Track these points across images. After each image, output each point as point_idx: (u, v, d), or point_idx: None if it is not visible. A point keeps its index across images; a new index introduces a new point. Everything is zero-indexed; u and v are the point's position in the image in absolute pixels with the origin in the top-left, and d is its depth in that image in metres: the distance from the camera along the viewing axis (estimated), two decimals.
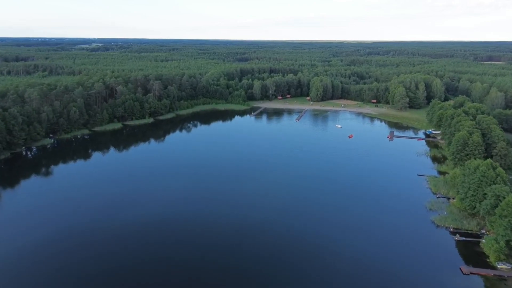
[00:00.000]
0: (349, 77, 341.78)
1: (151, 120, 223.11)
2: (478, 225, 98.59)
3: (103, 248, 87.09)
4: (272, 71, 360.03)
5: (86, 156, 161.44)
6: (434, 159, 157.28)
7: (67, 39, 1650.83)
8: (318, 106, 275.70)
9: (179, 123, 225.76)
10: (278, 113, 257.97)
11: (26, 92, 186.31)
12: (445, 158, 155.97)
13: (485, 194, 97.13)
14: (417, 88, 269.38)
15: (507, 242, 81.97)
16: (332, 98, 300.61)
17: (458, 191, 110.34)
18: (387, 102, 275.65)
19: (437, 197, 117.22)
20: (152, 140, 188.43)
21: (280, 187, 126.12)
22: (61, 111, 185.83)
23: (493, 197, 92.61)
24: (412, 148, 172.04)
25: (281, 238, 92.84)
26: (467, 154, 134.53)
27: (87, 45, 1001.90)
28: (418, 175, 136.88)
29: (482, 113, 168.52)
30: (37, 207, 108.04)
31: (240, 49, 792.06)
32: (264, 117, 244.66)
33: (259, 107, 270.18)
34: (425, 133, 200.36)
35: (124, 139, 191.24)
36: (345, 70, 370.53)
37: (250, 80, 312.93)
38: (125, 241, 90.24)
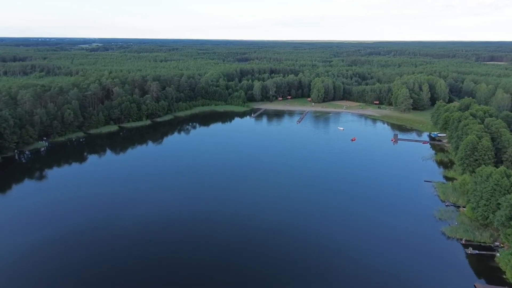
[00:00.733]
0: (351, 78, 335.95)
1: (148, 122, 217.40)
2: (491, 236, 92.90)
3: (100, 250, 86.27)
4: (272, 72, 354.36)
5: (81, 159, 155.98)
6: (441, 163, 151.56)
7: (67, 39, 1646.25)
8: (319, 108, 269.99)
9: (177, 125, 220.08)
10: (278, 114, 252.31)
11: (19, 93, 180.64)
12: (452, 162, 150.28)
13: (499, 204, 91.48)
14: (420, 89, 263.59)
15: None
16: (333, 99, 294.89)
17: (469, 200, 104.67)
18: (390, 104, 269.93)
19: (446, 205, 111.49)
20: (150, 143, 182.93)
21: (281, 190, 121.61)
22: (55, 113, 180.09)
23: (508, 207, 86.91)
24: (417, 152, 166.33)
25: (284, 241, 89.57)
26: (476, 160, 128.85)
27: (87, 45, 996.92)
28: (425, 181, 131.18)
29: (490, 116, 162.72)
30: (29, 212, 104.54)
31: (240, 49, 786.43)
32: (265, 119, 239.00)
33: (259, 109, 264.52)
34: (430, 136, 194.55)
35: (120, 141, 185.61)
36: (347, 70, 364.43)
37: (250, 80, 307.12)
38: (125, 241, 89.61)
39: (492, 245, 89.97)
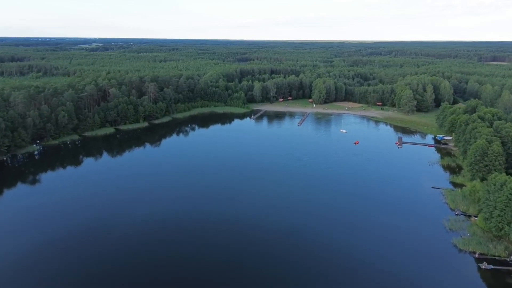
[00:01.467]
0: (353, 79, 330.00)
1: (145, 124, 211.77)
2: (506, 249, 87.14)
3: (100, 250, 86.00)
4: (273, 72, 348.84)
5: (75, 163, 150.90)
6: (448, 168, 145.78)
7: (67, 39, 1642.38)
8: (321, 109, 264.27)
9: (176, 127, 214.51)
10: (279, 116, 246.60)
11: (11, 95, 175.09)
12: (460, 167, 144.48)
13: None
14: (424, 90, 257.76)
15: None
16: (335, 100, 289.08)
17: (481, 209, 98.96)
18: (393, 105, 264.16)
19: (456, 214, 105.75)
20: (147, 146, 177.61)
21: (281, 194, 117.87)
22: (49, 115, 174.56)
23: None
24: (423, 156, 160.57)
25: (284, 242, 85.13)
26: (486, 165, 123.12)
27: (87, 45, 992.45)
28: (432, 187, 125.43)
29: (499, 118, 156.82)
30: (21, 217, 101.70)
31: (240, 49, 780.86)
32: (265, 121, 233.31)
33: (259, 110, 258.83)
34: (435, 139, 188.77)
35: (117, 144, 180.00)
36: (348, 71, 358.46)
37: (250, 81, 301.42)
38: (124, 242, 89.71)
39: (508, 259, 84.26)
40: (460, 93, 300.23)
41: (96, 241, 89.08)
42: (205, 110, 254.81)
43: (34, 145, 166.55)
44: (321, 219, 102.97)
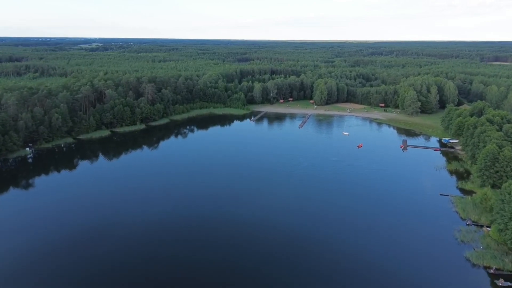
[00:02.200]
0: (355, 79, 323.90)
1: (142, 126, 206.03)
2: None
3: (100, 250, 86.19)
4: (273, 72, 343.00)
5: (69, 167, 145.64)
6: (456, 173, 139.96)
7: (67, 39, 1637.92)
8: (322, 111, 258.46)
9: (173, 129, 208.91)
10: (280, 118, 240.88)
11: (3, 97, 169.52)
12: (468, 172, 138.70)
13: None
14: (428, 91, 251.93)
15: None
16: (337, 101, 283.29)
17: (495, 220, 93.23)
18: (396, 106, 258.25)
19: (467, 224, 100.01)
20: (143, 149, 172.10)
21: (284, 198, 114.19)
22: (42, 118, 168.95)
23: None
24: (429, 160, 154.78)
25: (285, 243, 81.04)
26: (497, 171, 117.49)
27: (87, 45, 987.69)
28: (440, 194, 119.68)
29: (509, 121, 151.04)
30: (13, 224, 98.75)
31: (240, 49, 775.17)
32: (265, 123, 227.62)
33: (259, 112, 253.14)
34: (441, 142, 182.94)
35: (113, 147, 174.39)
36: (350, 71, 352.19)
37: (250, 82, 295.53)
38: (123, 243, 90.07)
39: None
40: (464, 94, 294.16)
41: (96, 241, 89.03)
42: (204, 111, 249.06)
43: (27, 148, 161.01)
44: (322, 229, 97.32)
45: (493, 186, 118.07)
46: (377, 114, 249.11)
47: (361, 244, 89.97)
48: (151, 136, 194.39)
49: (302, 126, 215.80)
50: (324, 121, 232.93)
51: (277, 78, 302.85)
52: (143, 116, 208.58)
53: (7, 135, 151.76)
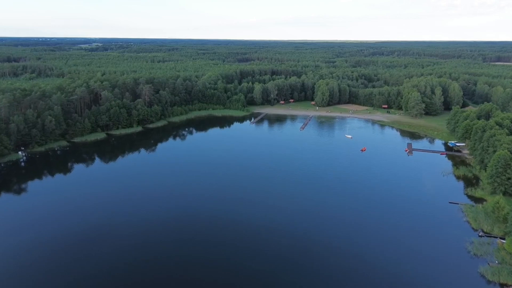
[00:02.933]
0: (357, 80, 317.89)
1: (139, 128, 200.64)
2: None
3: (101, 250, 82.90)
4: (274, 73, 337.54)
5: (63, 171, 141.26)
6: (464, 179, 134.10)
7: (68, 38, 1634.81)
8: (324, 112, 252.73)
9: (171, 131, 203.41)
10: (280, 120, 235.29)
11: None
12: (477, 178, 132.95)
13: None
14: (433, 92, 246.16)
15: None
16: (339, 102, 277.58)
17: (510, 232, 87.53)
18: (400, 108, 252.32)
19: (480, 236, 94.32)
20: (141, 152, 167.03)
21: (285, 200, 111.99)
22: (35, 120, 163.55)
23: None
24: (436, 165, 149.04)
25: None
26: (509, 178, 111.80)
27: (87, 45, 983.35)
28: (449, 202, 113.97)
29: None
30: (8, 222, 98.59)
31: (241, 49, 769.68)
32: (266, 125, 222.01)
33: (260, 113, 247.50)
34: (447, 145, 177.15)
35: (108, 151, 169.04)
36: (352, 72, 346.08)
37: (250, 83, 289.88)
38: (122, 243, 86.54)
39: None
40: (469, 95, 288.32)
41: (95, 242, 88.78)
42: (203, 113, 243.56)
43: (19, 152, 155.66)
44: (323, 236, 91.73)
45: (505, 194, 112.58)
46: (380, 116, 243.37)
47: (366, 257, 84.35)
48: (148, 138, 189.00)
49: (303, 129, 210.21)
50: (326, 123, 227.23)
51: (278, 79, 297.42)
52: (140, 118, 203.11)
53: None
